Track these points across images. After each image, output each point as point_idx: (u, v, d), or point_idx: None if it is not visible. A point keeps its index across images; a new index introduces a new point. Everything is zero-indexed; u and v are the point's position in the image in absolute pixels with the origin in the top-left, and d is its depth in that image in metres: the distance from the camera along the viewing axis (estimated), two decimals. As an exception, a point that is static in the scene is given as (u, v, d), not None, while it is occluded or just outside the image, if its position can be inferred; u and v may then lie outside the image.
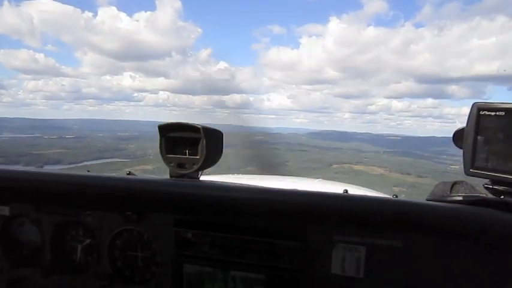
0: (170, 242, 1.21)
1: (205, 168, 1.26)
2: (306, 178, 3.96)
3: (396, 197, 1.22)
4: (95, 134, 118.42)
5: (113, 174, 1.34)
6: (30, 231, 1.36)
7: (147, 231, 1.25)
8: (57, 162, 76.93)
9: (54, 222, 1.32)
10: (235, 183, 1.23)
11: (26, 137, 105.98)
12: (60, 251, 1.34)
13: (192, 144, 1.23)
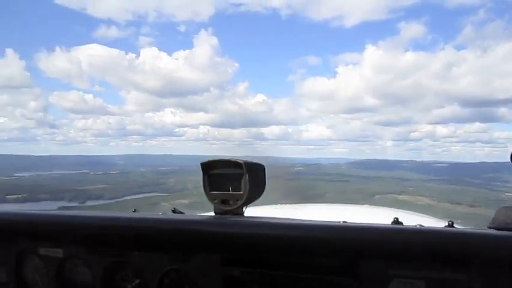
0: (218, 280, 1.18)
1: (249, 203, 1.29)
2: (352, 205, 3.82)
3: (452, 223, 1.16)
4: (138, 169, 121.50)
5: (159, 214, 1.43)
6: (83, 272, 1.39)
7: (194, 270, 1.22)
8: (99, 197, 79.00)
9: (104, 263, 1.34)
10: (280, 218, 1.24)
11: (74, 173, 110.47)
12: None
13: (235, 180, 1.26)
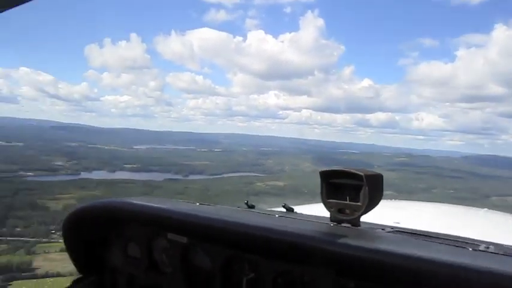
0: None
1: (366, 213, 1.31)
2: (468, 208, 3.38)
3: None
4: (240, 148, 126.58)
5: (275, 216, 1.59)
6: (204, 259, 1.52)
7: (309, 275, 1.23)
8: (201, 172, 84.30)
9: (223, 254, 1.43)
10: (397, 234, 1.32)
11: (182, 149, 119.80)
12: (228, 281, 1.45)
13: (354, 191, 1.28)
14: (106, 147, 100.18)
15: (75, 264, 1.90)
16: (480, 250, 1.16)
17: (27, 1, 0.62)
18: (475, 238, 1.38)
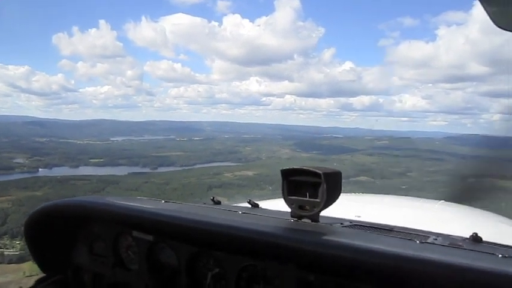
0: (292, 282, 1.26)
1: (325, 209, 1.39)
2: (426, 200, 3.68)
3: None
4: (222, 136, 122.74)
5: (239, 213, 1.65)
6: (170, 255, 1.60)
7: (271, 269, 1.32)
8: (171, 164, 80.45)
9: (189, 251, 1.52)
10: (355, 229, 1.40)
11: (161, 139, 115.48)
12: (193, 276, 1.54)
13: (313, 188, 1.37)
14: (78, 142, 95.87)
15: (38, 264, 1.90)
16: (427, 242, 1.22)
17: None
18: (427, 230, 1.46)
